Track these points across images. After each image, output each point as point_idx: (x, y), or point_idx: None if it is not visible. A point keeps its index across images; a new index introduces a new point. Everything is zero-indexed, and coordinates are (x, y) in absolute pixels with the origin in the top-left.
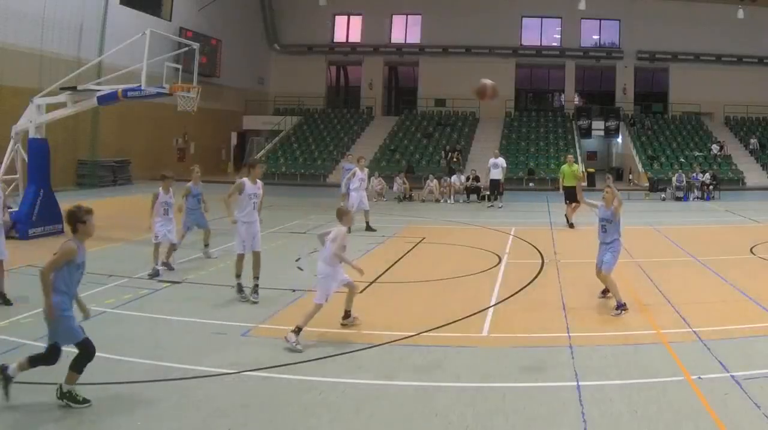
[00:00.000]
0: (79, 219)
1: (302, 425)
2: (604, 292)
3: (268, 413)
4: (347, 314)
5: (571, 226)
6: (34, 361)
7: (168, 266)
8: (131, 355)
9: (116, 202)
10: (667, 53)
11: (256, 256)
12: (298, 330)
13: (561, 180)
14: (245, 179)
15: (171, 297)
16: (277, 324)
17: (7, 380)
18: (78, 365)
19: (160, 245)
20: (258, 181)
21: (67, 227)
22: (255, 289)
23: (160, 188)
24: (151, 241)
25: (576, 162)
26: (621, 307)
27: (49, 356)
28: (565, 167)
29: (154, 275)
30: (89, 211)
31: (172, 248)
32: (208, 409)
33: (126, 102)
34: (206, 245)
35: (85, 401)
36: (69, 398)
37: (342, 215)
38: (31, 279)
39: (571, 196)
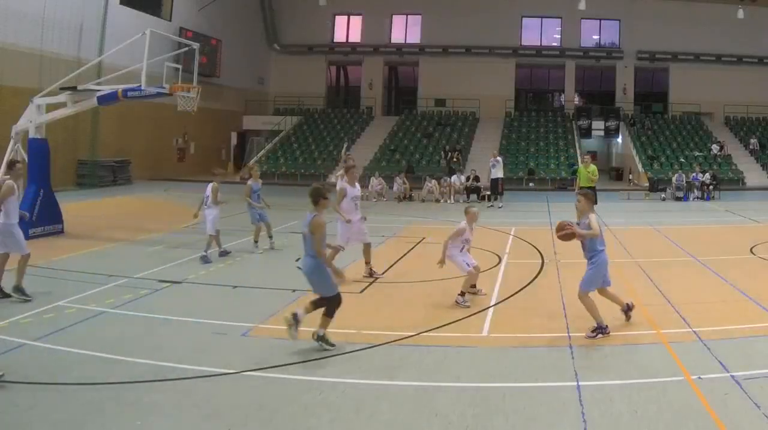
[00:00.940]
0: (322, 195)
1: (302, 425)
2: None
3: (268, 413)
4: (474, 286)
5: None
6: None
7: (223, 252)
8: (131, 355)
9: (116, 203)
10: (667, 53)
11: (367, 246)
12: (463, 293)
13: (577, 181)
14: (346, 185)
15: (171, 297)
16: (277, 324)
17: (297, 322)
18: (330, 312)
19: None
20: (356, 183)
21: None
22: (370, 272)
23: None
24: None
25: (592, 163)
26: (598, 330)
27: (333, 305)
28: (581, 168)
29: (223, 254)
30: (329, 190)
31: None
32: (208, 409)
33: (126, 102)
34: (270, 237)
35: (333, 345)
36: (323, 341)
37: (466, 212)
38: (32, 279)
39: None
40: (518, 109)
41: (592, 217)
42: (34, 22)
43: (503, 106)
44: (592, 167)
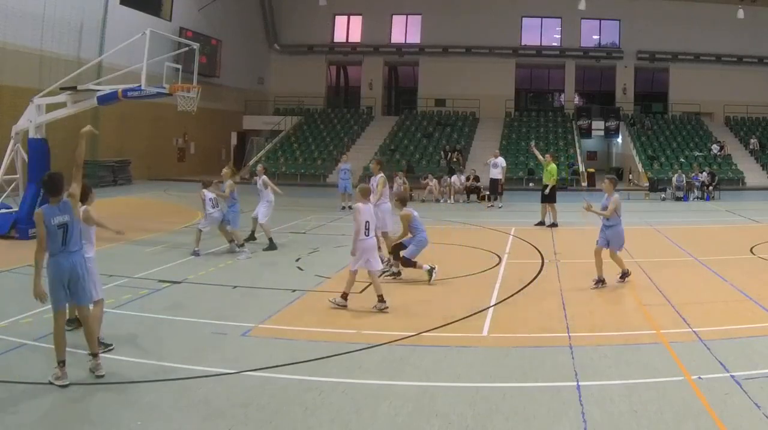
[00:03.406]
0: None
1: (302, 425)
2: (623, 276)
3: (268, 413)
4: (345, 296)
5: (541, 224)
6: None
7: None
8: (131, 355)
9: (116, 203)
10: (667, 53)
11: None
12: (345, 296)
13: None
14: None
15: (171, 297)
16: (277, 324)
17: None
18: None
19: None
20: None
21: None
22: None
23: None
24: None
25: (556, 161)
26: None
27: None
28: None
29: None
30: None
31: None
32: (208, 409)
33: (126, 102)
34: (231, 242)
35: None
36: None
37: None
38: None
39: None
40: (518, 109)
41: (615, 197)
42: (34, 22)
43: (503, 106)
44: (552, 166)
